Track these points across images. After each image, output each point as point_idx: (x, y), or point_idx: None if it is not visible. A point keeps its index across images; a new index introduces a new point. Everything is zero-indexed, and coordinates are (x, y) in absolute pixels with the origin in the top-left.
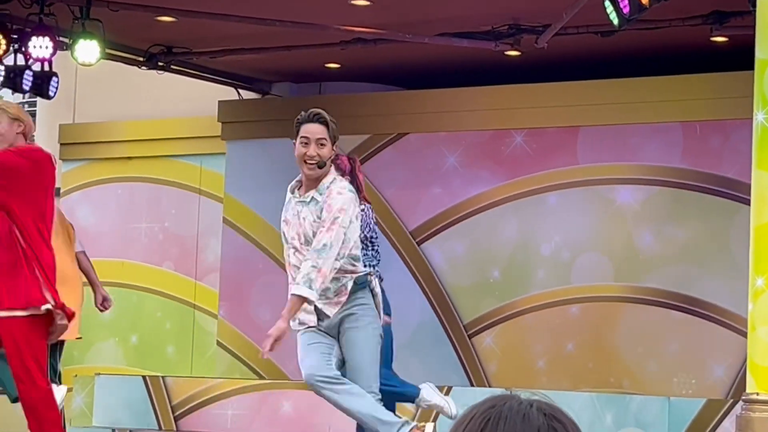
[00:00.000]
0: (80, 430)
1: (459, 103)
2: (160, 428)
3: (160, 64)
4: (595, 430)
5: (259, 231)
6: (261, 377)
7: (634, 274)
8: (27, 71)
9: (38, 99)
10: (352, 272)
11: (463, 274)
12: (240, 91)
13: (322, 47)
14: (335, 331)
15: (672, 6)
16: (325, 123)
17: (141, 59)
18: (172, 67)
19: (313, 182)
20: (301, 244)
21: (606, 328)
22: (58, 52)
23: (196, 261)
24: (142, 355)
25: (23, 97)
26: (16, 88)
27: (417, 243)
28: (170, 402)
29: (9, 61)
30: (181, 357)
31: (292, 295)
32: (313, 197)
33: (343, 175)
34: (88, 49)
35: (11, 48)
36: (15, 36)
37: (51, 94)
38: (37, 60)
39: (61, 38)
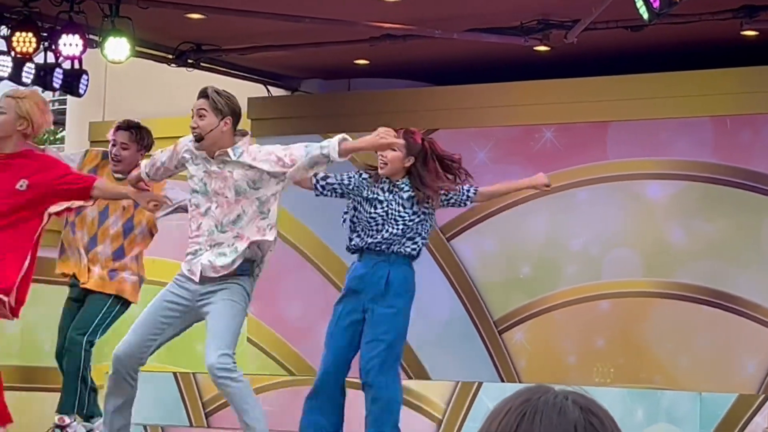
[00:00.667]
0: None
1: (488, 99)
2: (191, 425)
3: (189, 61)
4: (626, 426)
5: (288, 227)
6: (291, 373)
7: (664, 270)
8: (57, 69)
9: (68, 97)
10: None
11: (493, 269)
12: (269, 87)
13: (351, 44)
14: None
15: (702, 0)
16: (206, 95)
17: (170, 56)
18: (202, 64)
19: (210, 151)
20: (236, 196)
21: (636, 324)
22: (88, 50)
23: None
24: (173, 352)
25: (53, 95)
26: (46, 86)
27: (447, 239)
28: (201, 398)
29: (39, 59)
30: None
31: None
32: (227, 152)
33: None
34: (117, 47)
35: (41, 46)
36: (45, 34)
37: (81, 92)
38: (67, 58)
39: (90, 36)
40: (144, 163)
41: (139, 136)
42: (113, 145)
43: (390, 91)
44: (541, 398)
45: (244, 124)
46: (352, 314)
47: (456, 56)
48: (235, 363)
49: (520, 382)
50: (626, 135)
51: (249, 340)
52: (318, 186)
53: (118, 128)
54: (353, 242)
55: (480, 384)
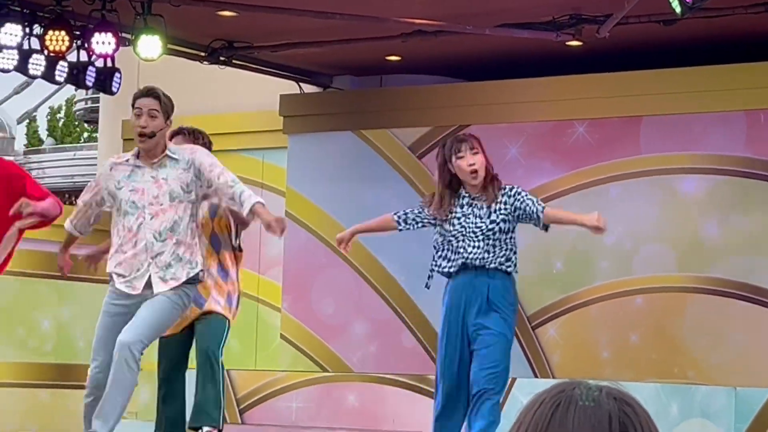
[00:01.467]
0: (147, 423)
1: (520, 94)
2: (225, 421)
3: (221, 58)
4: (660, 420)
5: (321, 224)
6: (325, 370)
7: (698, 265)
8: (90, 67)
9: (101, 95)
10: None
11: (526, 265)
12: (301, 84)
13: (383, 40)
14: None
15: None
16: (157, 97)
17: (203, 54)
18: (234, 61)
19: (152, 152)
20: (170, 202)
21: (670, 319)
22: (121, 47)
23: (260, 255)
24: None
25: (86, 93)
26: (80, 84)
27: None
28: (235, 395)
29: (72, 57)
30: (246, 351)
31: (258, 203)
32: (167, 157)
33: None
34: (150, 45)
35: (74, 44)
36: (78, 32)
37: (114, 90)
38: (99, 56)
39: (123, 34)
40: (67, 222)
41: (193, 137)
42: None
43: (422, 87)
44: (575, 390)
45: (277, 120)
46: (457, 328)
47: (488, 51)
48: (141, 354)
49: (553, 377)
50: (659, 129)
51: (282, 336)
52: (399, 222)
53: (173, 134)
54: (443, 266)
55: (514, 380)
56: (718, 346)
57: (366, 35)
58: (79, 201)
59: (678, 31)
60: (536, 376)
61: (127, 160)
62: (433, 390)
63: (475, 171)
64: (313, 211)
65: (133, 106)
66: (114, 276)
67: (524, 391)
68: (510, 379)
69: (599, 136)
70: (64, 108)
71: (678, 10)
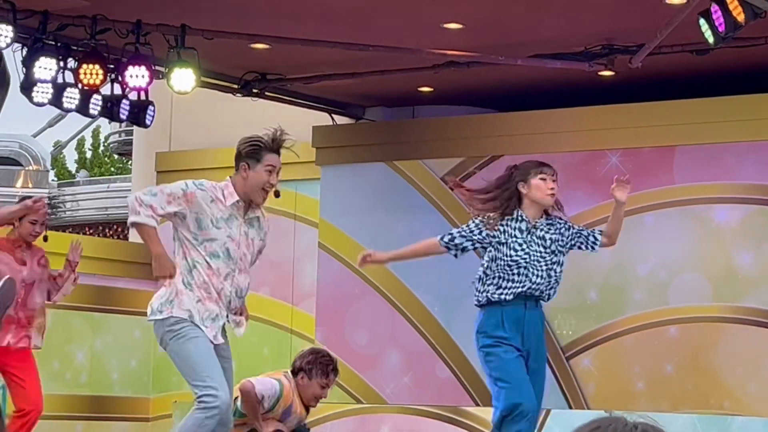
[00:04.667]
0: None
1: (553, 125)
2: None
3: (254, 90)
4: None
5: (355, 255)
6: (359, 401)
7: (733, 294)
8: (124, 100)
9: (135, 128)
10: None
11: (560, 295)
12: (334, 116)
13: (415, 71)
14: None
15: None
16: (279, 153)
17: (235, 86)
18: (267, 93)
19: (251, 208)
20: (250, 265)
21: (705, 349)
22: (154, 80)
23: (293, 286)
24: (240, 380)
25: (120, 126)
26: (113, 117)
27: None
28: None
29: (106, 90)
30: None
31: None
32: (258, 218)
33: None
34: (183, 78)
35: (108, 78)
36: (112, 66)
37: (147, 122)
38: (133, 89)
39: (156, 67)
40: (149, 217)
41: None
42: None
43: (454, 118)
44: (611, 426)
45: (309, 152)
46: (515, 351)
47: (520, 82)
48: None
49: (588, 408)
50: (693, 159)
51: None
52: (448, 246)
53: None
54: (496, 293)
55: (548, 411)
56: (754, 376)
57: (398, 66)
58: (160, 201)
59: (710, 61)
60: (570, 407)
61: (224, 200)
62: (466, 421)
63: (553, 195)
64: (346, 242)
65: (259, 158)
66: (193, 311)
67: (558, 422)
68: (544, 411)
69: (632, 166)
70: (91, 140)
71: (711, 40)
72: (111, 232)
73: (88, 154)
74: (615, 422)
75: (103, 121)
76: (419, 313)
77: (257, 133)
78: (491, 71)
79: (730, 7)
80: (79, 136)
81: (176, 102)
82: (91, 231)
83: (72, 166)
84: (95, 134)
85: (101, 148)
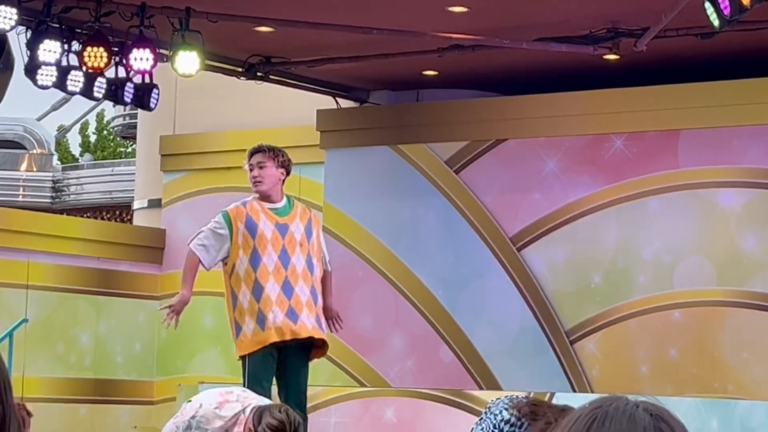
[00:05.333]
0: None
1: (558, 108)
2: None
3: (258, 74)
4: None
5: (358, 239)
6: (363, 385)
7: (737, 278)
8: (128, 83)
9: (139, 111)
10: None
11: (564, 279)
12: (338, 99)
13: (420, 54)
14: None
15: None
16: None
17: (240, 70)
18: (271, 77)
19: None
20: None
21: (709, 333)
22: (159, 64)
23: None
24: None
25: (124, 109)
26: (118, 100)
27: (517, 249)
28: None
29: (110, 73)
30: None
31: None
32: None
33: None
34: (187, 61)
35: (112, 61)
36: (116, 49)
37: (152, 106)
38: (137, 72)
39: (161, 50)
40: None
41: (276, 155)
42: (251, 169)
43: (459, 102)
44: (612, 405)
45: (314, 135)
46: None
47: (525, 66)
48: None
49: (592, 392)
50: (698, 143)
51: None
52: None
53: (251, 153)
54: None
55: (552, 395)
56: (759, 360)
57: (403, 50)
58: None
59: (716, 45)
60: (575, 391)
61: None
62: (469, 404)
63: None
64: (350, 226)
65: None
66: None
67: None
68: (548, 394)
69: (637, 150)
70: (95, 124)
71: (716, 23)
72: (115, 216)
73: (92, 138)
74: (617, 401)
75: (107, 105)
76: (423, 297)
77: None
78: (496, 55)
79: None
80: (82, 120)
81: (180, 85)
82: (95, 214)
83: (76, 150)
84: (99, 118)
85: (105, 132)
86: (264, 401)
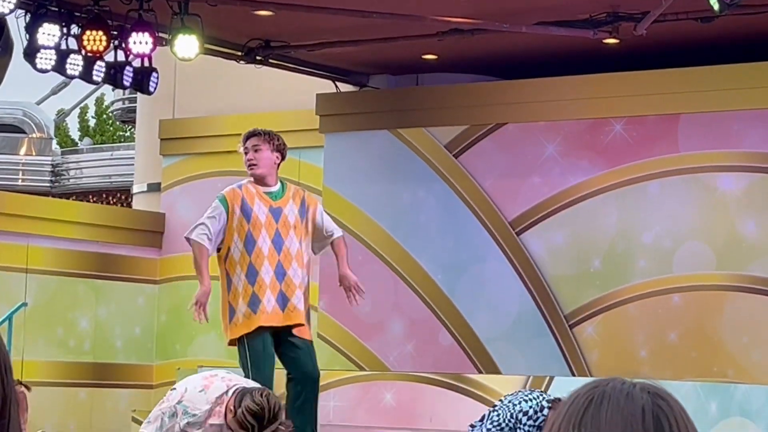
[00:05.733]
0: None
1: (557, 92)
2: None
3: (258, 58)
4: (699, 419)
5: (358, 223)
6: (362, 369)
7: (737, 263)
8: (127, 67)
9: (138, 95)
10: None
11: (564, 263)
12: (338, 83)
13: (420, 38)
14: None
15: None
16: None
17: (239, 53)
18: (270, 60)
19: None
20: None
21: (709, 317)
22: (158, 47)
23: None
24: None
25: (124, 93)
26: (117, 84)
27: (516, 233)
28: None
29: (109, 57)
30: None
31: None
32: None
33: None
34: (187, 45)
35: (111, 44)
36: (115, 32)
37: (151, 89)
38: (137, 56)
39: (160, 34)
40: None
41: (271, 138)
42: (246, 153)
43: (458, 86)
44: (609, 385)
45: (313, 119)
46: None
47: (524, 50)
48: None
49: (591, 376)
50: (697, 127)
51: (319, 335)
52: None
53: (247, 137)
54: None
55: (551, 378)
56: (758, 344)
57: (402, 34)
58: None
59: (715, 29)
60: (574, 375)
61: None
62: (468, 388)
63: None
64: (350, 210)
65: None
66: None
67: (562, 390)
68: (547, 377)
69: (637, 134)
70: (94, 107)
71: (716, 7)
72: (114, 200)
73: (91, 123)
74: (613, 381)
75: (106, 89)
76: (422, 281)
77: None
78: (496, 39)
79: None
80: (82, 105)
81: (180, 69)
82: (94, 198)
83: (75, 135)
84: (99, 102)
85: (104, 116)
86: (249, 383)
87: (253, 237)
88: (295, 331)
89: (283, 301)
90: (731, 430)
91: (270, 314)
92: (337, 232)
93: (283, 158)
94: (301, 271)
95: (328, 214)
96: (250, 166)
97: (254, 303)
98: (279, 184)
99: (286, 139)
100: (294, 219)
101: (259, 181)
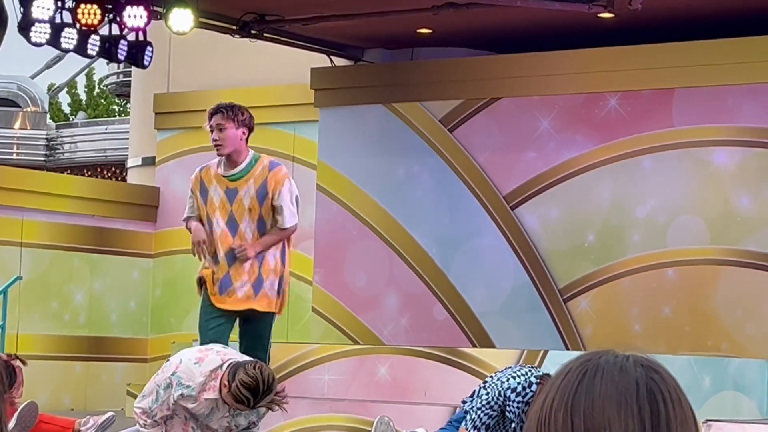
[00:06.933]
0: None
1: (552, 67)
2: None
3: (253, 32)
4: (693, 393)
5: (353, 197)
6: (356, 343)
7: (731, 237)
8: (122, 41)
9: (133, 69)
10: None
11: (558, 238)
12: (332, 57)
13: (414, 12)
14: None
15: None
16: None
17: (234, 27)
18: (265, 35)
19: None
20: None
21: (703, 292)
22: (153, 21)
23: None
24: None
25: (118, 67)
26: (111, 57)
27: (511, 208)
28: None
29: (104, 31)
30: (277, 323)
31: None
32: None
33: None
34: (181, 18)
35: (106, 18)
36: (110, 6)
37: (146, 63)
38: (131, 30)
39: (154, 8)
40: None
41: (235, 114)
42: (211, 131)
43: (453, 60)
44: (602, 358)
45: (308, 93)
46: None
47: (519, 24)
48: None
49: (585, 350)
50: (692, 102)
51: (314, 309)
52: None
53: (211, 114)
54: None
55: (545, 352)
56: (752, 319)
57: (397, 8)
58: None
59: (711, 3)
60: (568, 349)
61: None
62: (463, 362)
63: None
64: (345, 184)
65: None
66: None
67: (555, 363)
68: (541, 352)
69: (631, 109)
70: (85, 81)
71: None
72: (109, 174)
73: (83, 96)
74: (606, 354)
75: (96, 63)
76: (417, 256)
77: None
78: (491, 13)
79: None
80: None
81: (174, 43)
82: (89, 173)
83: (67, 110)
84: (89, 76)
85: (96, 90)
86: (243, 358)
87: (210, 219)
88: (247, 313)
89: (227, 286)
90: (725, 404)
91: (221, 298)
92: (285, 224)
93: (250, 131)
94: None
95: (323, 188)
96: (216, 146)
97: (219, 287)
98: (249, 159)
99: (281, 113)
100: (249, 201)
101: (227, 159)
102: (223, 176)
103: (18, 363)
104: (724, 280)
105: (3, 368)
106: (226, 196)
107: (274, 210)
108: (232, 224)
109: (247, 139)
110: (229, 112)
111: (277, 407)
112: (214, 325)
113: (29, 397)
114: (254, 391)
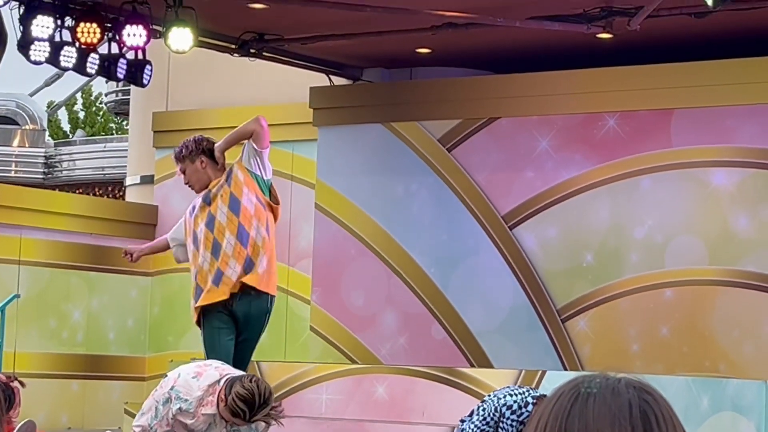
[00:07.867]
0: None
1: (551, 87)
2: None
3: (252, 51)
4: (690, 414)
5: (351, 216)
6: (354, 362)
7: (729, 258)
8: (121, 59)
9: (132, 87)
10: None
11: (556, 258)
12: (331, 77)
13: (413, 32)
14: None
15: None
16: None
17: (233, 46)
18: (264, 54)
19: None
20: None
21: (701, 312)
22: (152, 40)
23: (289, 247)
24: None
25: (117, 86)
26: (111, 76)
27: (509, 227)
28: None
29: (103, 49)
30: (275, 342)
31: None
32: None
33: None
34: (181, 37)
35: (105, 36)
36: (109, 25)
37: (145, 82)
38: (131, 48)
39: (154, 26)
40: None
41: (186, 152)
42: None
43: (452, 80)
44: (594, 381)
45: (307, 112)
46: None
47: (518, 44)
48: None
49: (583, 370)
50: (690, 122)
51: (312, 328)
52: None
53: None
54: None
55: (543, 372)
56: (750, 339)
57: (396, 28)
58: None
59: (709, 24)
60: (566, 369)
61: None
62: (461, 382)
63: None
64: (343, 204)
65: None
66: None
67: (553, 383)
68: (539, 372)
69: (630, 129)
70: (81, 100)
71: (710, 2)
72: (107, 192)
73: (81, 115)
74: (598, 377)
75: (94, 81)
76: (415, 275)
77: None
78: (489, 33)
79: None
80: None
81: (174, 62)
82: (87, 190)
83: (66, 127)
84: (86, 94)
85: (93, 108)
86: (240, 373)
87: (194, 232)
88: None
89: (219, 275)
90: (723, 425)
91: (209, 293)
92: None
93: (209, 154)
94: (233, 238)
95: (321, 207)
96: (189, 187)
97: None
98: (222, 177)
99: (279, 132)
100: (221, 191)
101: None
102: (202, 202)
103: (16, 384)
104: (722, 301)
105: (1, 391)
106: (204, 201)
107: (246, 171)
108: (210, 221)
109: (210, 161)
110: (179, 154)
111: (273, 421)
112: (225, 339)
113: (27, 415)
114: (250, 404)
